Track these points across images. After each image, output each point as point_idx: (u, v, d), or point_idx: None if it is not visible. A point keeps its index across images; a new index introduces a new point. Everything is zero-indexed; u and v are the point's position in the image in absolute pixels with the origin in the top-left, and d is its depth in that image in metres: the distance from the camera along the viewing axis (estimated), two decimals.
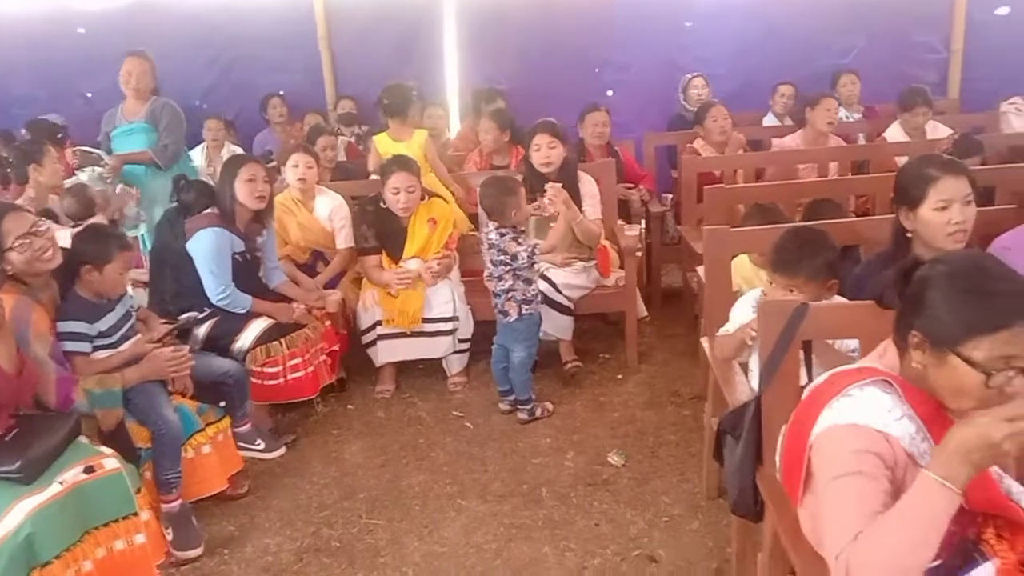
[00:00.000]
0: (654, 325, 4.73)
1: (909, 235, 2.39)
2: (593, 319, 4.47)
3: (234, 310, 3.62)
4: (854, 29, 6.22)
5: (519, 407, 3.81)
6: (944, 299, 1.49)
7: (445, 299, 4.08)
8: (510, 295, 3.70)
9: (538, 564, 2.80)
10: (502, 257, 3.65)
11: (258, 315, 3.66)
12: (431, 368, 4.26)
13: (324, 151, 4.90)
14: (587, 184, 4.25)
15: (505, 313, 3.73)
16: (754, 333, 2.40)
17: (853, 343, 2.06)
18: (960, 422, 1.43)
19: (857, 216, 3.76)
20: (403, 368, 4.26)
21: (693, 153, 4.96)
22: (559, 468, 3.39)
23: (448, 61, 6.56)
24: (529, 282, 3.75)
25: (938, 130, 5.05)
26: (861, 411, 1.56)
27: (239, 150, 5.76)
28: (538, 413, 3.80)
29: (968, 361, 1.45)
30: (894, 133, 5.14)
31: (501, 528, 3.01)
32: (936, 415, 1.53)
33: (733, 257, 2.97)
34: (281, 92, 6.42)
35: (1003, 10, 6.23)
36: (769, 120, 5.90)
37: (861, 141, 5.40)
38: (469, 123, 5.92)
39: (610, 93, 6.34)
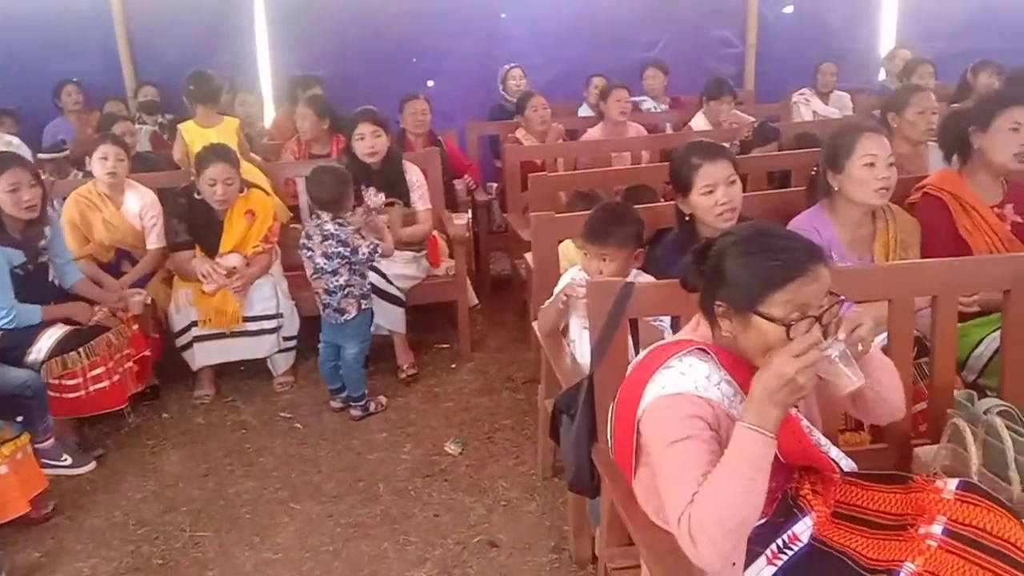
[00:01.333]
0: (485, 313, 4.76)
1: (689, 218, 2.55)
2: (425, 310, 4.43)
3: (25, 326, 3.26)
4: (659, 24, 6.55)
5: (352, 404, 3.71)
6: (737, 265, 1.60)
7: (267, 295, 3.89)
8: (347, 291, 3.57)
9: (379, 561, 2.74)
10: (339, 249, 3.51)
11: (53, 322, 3.33)
12: (254, 369, 4.06)
13: None
14: (413, 174, 4.19)
15: (342, 311, 3.58)
16: (565, 297, 2.52)
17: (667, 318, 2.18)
18: (758, 372, 1.53)
19: (668, 201, 3.94)
20: (223, 371, 4.04)
21: (515, 142, 5.03)
22: (396, 462, 3.33)
23: (260, 46, 6.28)
24: (364, 276, 3.65)
25: (738, 119, 5.39)
26: (683, 380, 1.62)
27: (15, 141, 5.18)
28: (372, 408, 3.72)
29: (768, 318, 1.55)
30: (699, 122, 5.43)
31: (338, 528, 2.92)
32: (750, 377, 1.62)
33: (560, 242, 3.03)
34: (75, 79, 5.90)
35: (789, 8, 6.78)
36: (584, 111, 6.07)
37: (669, 130, 5.66)
38: (285, 111, 5.70)
39: (430, 83, 6.30)
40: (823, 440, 1.73)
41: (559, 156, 4.74)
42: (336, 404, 3.76)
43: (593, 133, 5.21)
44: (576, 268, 2.71)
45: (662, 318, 2.26)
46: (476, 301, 4.45)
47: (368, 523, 2.94)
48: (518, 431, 3.50)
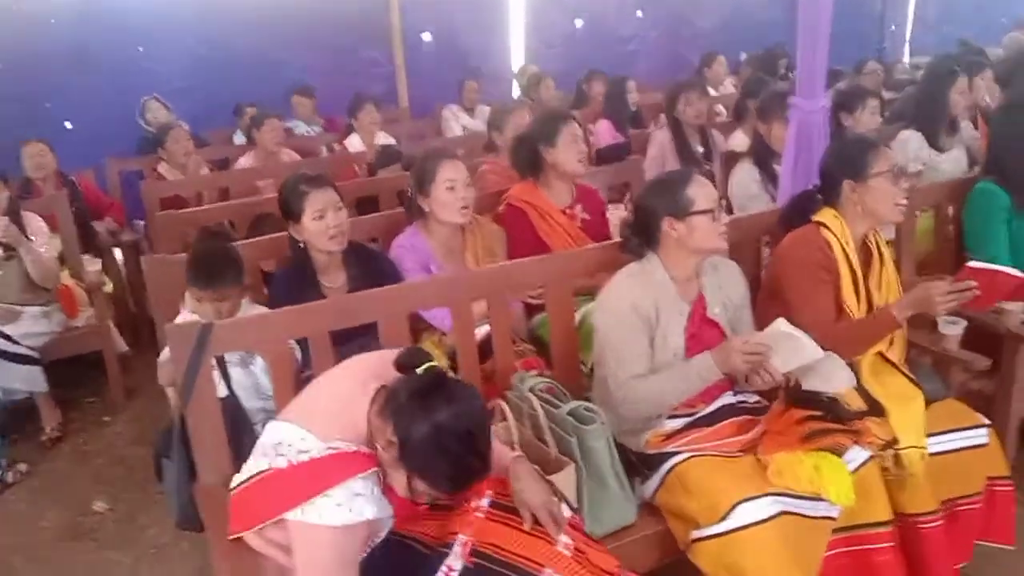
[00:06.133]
0: (144, 357, 4.58)
1: (302, 244, 2.70)
2: (72, 363, 4.16)
3: None
4: (306, 47, 6.62)
5: None
6: (430, 448, 1.63)
7: None
8: None
9: None
10: None
11: None
12: None
13: None
14: (33, 222, 3.93)
15: None
16: None
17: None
18: None
19: None
20: None
21: (158, 177, 4.89)
22: (35, 532, 3.16)
23: None
24: None
25: (387, 140, 5.63)
26: (347, 512, 1.66)
27: None
28: (10, 479, 3.47)
29: (412, 490, 1.70)
30: (355, 142, 5.61)
31: None
32: (395, 496, 1.78)
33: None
34: None
35: (427, 35, 7.22)
36: (240, 138, 6.03)
37: (324, 153, 5.80)
38: None
39: (69, 125, 5.94)
40: None
41: (202, 189, 4.67)
42: None
43: (245, 162, 5.20)
44: (188, 312, 2.68)
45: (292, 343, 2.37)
46: (126, 348, 4.28)
47: None
48: None
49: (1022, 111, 3.05)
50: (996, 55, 6.46)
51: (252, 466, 1.82)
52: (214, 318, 2.45)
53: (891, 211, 2.47)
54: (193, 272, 2.52)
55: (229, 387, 2.24)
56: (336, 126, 6.30)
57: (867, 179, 2.43)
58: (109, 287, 4.52)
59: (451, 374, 1.76)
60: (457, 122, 6.66)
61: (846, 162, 2.50)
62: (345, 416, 1.74)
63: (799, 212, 2.61)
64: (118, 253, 4.84)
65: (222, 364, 2.17)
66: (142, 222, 5.09)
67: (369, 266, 2.74)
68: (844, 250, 2.45)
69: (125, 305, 4.75)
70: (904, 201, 2.47)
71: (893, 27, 8.78)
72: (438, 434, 1.63)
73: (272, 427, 1.83)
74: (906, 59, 9.25)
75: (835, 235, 2.46)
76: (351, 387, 1.79)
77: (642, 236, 2.34)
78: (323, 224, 2.63)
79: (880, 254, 2.55)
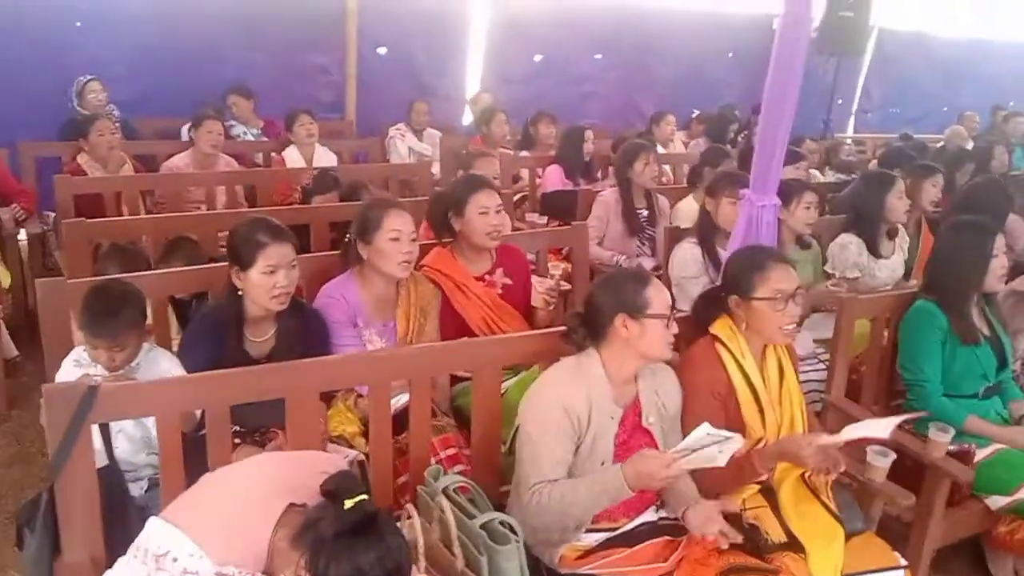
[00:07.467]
0: (38, 362, 4.24)
1: (240, 292, 2.49)
2: None
3: None
4: (251, 46, 6.33)
5: None
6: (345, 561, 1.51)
7: None
8: None
9: None
10: None
11: None
12: None
13: None
14: None
15: None
16: None
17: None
18: None
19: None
20: None
21: (76, 170, 4.54)
22: None
23: None
24: None
25: (328, 156, 5.42)
26: None
27: None
28: None
29: None
30: (293, 156, 5.35)
31: None
32: None
33: None
34: None
35: (382, 49, 6.98)
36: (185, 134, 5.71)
37: (260, 161, 5.54)
38: None
39: None
40: None
41: (122, 189, 4.33)
42: None
43: (179, 161, 4.86)
44: (80, 349, 2.41)
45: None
46: (15, 352, 3.96)
47: None
48: None
49: (970, 230, 2.99)
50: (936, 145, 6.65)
51: (127, 571, 1.63)
52: (107, 366, 2.28)
53: (775, 334, 2.38)
54: (86, 318, 2.28)
55: (111, 455, 2.02)
56: (276, 129, 6.02)
57: (751, 300, 2.37)
58: (7, 280, 4.20)
59: (378, 510, 1.60)
60: (404, 143, 6.49)
61: (731, 279, 2.43)
62: (243, 536, 1.58)
63: (705, 313, 2.50)
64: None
65: (105, 432, 1.96)
66: (52, 213, 4.77)
67: (300, 323, 2.56)
68: (740, 365, 2.37)
69: (24, 302, 4.40)
70: (791, 327, 2.35)
71: (840, 101, 8.90)
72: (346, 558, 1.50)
73: (159, 529, 1.65)
74: (850, 133, 9.44)
75: (729, 350, 2.38)
76: (254, 502, 1.63)
77: (589, 329, 2.22)
78: (271, 280, 2.43)
79: (780, 367, 2.46)
